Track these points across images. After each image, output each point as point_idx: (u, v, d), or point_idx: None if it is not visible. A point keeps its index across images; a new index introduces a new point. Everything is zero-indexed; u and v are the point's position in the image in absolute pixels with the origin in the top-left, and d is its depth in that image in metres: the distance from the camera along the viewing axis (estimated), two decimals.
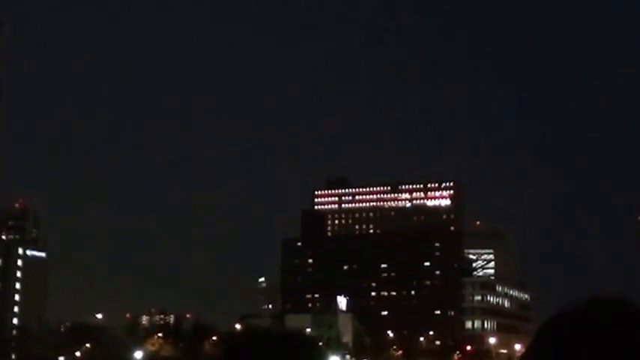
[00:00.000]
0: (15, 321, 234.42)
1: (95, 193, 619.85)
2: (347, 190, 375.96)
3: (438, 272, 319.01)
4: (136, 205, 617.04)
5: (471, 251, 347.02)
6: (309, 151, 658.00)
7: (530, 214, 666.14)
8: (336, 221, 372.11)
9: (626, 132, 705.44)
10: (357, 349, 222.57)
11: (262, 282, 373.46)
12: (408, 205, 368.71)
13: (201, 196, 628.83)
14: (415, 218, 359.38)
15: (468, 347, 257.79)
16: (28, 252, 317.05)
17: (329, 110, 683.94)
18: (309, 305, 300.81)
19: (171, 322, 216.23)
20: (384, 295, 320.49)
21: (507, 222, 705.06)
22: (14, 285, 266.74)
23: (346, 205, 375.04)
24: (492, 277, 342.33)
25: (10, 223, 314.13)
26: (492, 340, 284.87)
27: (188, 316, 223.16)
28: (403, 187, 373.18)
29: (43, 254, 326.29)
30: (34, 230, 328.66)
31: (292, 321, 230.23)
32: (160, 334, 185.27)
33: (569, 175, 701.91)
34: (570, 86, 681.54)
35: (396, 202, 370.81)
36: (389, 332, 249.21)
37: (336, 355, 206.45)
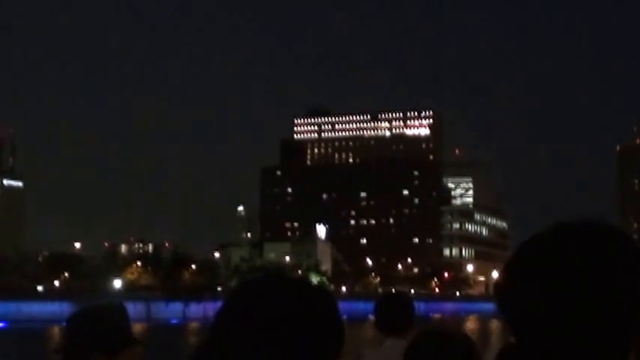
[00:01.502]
0: None
1: (72, 122, 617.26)
2: (326, 119, 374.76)
3: (416, 201, 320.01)
4: (114, 134, 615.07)
5: (450, 180, 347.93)
6: (288, 79, 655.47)
7: (509, 144, 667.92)
8: (316, 150, 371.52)
9: (607, 61, 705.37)
10: (335, 277, 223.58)
11: (241, 210, 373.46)
12: (388, 134, 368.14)
13: (180, 124, 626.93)
14: (394, 147, 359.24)
15: (446, 274, 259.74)
16: (5, 181, 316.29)
17: (308, 37, 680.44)
18: (288, 234, 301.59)
19: (150, 250, 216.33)
20: (363, 224, 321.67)
21: (486, 151, 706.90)
22: None
23: (326, 133, 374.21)
24: (471, 206, 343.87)
25: None
26: (470, 268, 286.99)
27: (167, 244, 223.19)
28: (382, 115, 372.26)
29: (19, 183, 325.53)
30: (10, 159, 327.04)
31: (271, 249, 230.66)
32: (138, 263, 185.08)
33: (550, 105, 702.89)
34: (551, 7, 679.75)
35: (375, 131, 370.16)
36: (368, 260, 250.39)
37: (316, 282, 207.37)
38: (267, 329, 2.26)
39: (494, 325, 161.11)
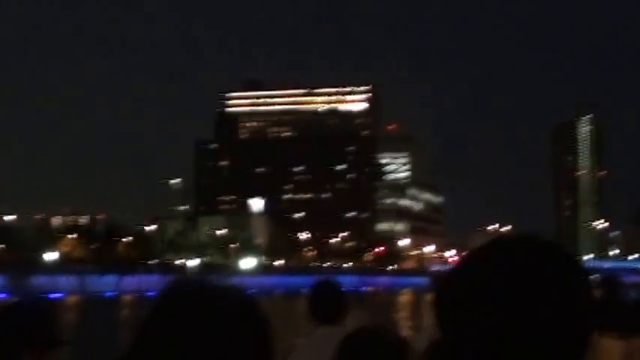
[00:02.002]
0: None
1: (13, 89, 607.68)
2: (262, 93, 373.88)
3: (351, 176, 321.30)
4: (49, 99, 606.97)
5: (385, 155, 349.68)
6: (224, 51, 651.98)
7: (444, 119, 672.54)
8: (250, 124, 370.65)
9: (540, 37, 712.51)
10: (270, 251, 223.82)
11: (175, 183, 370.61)
12: (323, 108, 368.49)
13: (116, 97, 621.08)
14: (330, 122, 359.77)
15: (380, 248, 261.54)
16: None
17: (244, 8, 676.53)
18: (223, 207, 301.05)
19: (84, 223, 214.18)
20: (298, 198, 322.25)
21: (422, 127, 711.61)
22: None
23: (261, 107, 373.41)
24: (405, 181, 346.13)
25: None
26: (404, 242, 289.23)
27: (101, 216, 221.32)
28: (318, 90, 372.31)
29: None
30: None
31: (205, 223, 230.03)
32: (72, 235, 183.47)
33: (487, 82, 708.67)
34: None
35: (311, 106, 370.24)
36: (302, 234, 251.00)
37: (250, 256, 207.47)
38: (194, 336, 2.30)
39: (428, 298, 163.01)
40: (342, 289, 6.57)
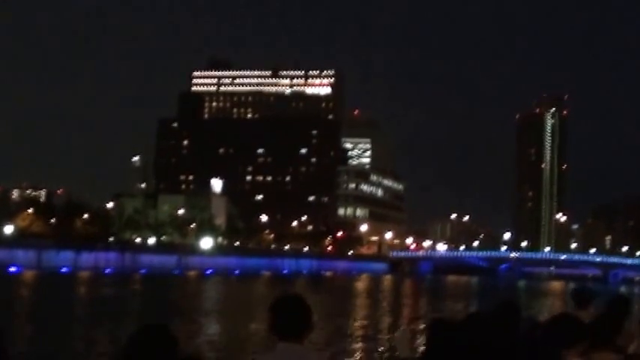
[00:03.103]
0: None
1: None
2: (226, 73, 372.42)
3: (314, 159, 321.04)
4: (14, 72, 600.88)
5: (348, 140, 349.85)
6: (190, 30, 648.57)
7: (408, 107, 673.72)
8: (214, 104, 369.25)
9: (512, 29, 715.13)
10: (230, 232, 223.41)
11: (136, 161, 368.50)
12: (288, 91, 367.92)
13: (81, 71, 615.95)
14: (294, 105, 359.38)
15: (340, 233, 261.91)
16: None
17: None
18: (183, 187, 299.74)
19: (43, 197, 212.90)
20: (259, 180, 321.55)
21: (385, 113, 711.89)
22: None
23: (225, 87, 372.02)
24: (367, 167, 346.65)
25: None
26: (364, 228, 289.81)
27: (60, 191, 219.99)
28: (284, 72, 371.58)
29: None
30: None
31: (165, 201, 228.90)
32: (30, 210, 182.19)
33: (454, 69, 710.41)
34: None
35: (275, 88, 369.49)
36: (262, 216, 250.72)
37: (209, 237, 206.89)
38: None
39: (385, 283, 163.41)
40: (308, 306, 6.21)
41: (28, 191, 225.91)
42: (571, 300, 10.44)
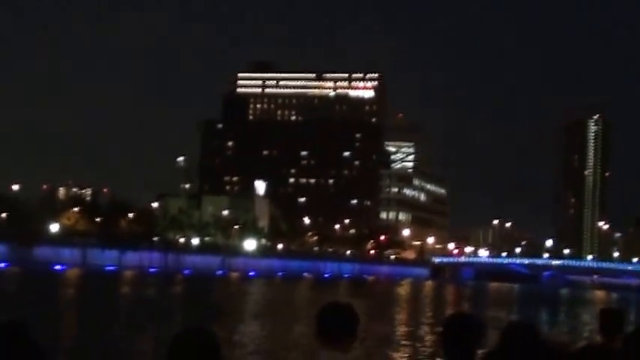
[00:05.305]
0: None
1: (15, 61, 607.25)
2: (271, 75, 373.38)
3: (357, 163, 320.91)
4: (57, 76, 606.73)
5: (391, 143, 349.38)
6: (236, 32, 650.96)
7: (451, 111, 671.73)
8: (259, 105, 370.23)
9: (554, 34, 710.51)
10: (273, 234, 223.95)
11: (181, 161, 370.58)
12: (332, 94, 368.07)
13: (128, 71, 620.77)
14: (337, 108, 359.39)
15: (382, 237, 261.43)
16: None
17: None
18: (227, 188, 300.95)
19: (88, 196, 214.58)
20: (302, 182, 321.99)
21: (429, 117, 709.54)
22: None
23: (270, 89, 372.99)
24: (410, 171, 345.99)
25: None
26: (406, 232, 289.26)
27: (105, 190, 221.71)
28: (328, 75, 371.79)
29: None
30: None
31: (209, 202, 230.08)
32: (76, 208, 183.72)
33: (495, 74, 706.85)
34: None
35: (319, 91, 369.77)
36: (305, 219, 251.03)
37: (252, 238, 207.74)
38: None
39: (427, 289, 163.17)
40: (356, 315, 6.11)
41: (74, 190, 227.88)
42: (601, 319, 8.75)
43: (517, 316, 80.00)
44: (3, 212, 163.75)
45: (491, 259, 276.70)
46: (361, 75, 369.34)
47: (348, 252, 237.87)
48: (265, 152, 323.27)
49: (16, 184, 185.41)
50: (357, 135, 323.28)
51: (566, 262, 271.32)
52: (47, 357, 4.00)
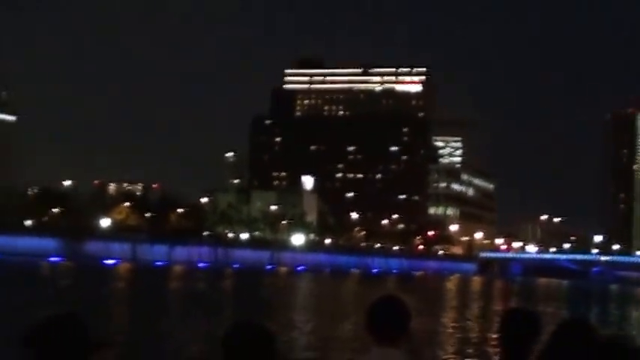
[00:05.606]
0: None
1: (66, 57, 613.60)
2: (318, 71, 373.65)
3: (404, 157, 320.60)
4: (110, 74, 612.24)
5: (439, 138, 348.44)
6: (282, 28, 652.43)
7: (499, 105, 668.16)
8: (306, 101, 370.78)
9: (605, 27, 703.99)
10: (321, 229, 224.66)
11: (230, 157, 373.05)
12: (379, 88, 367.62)
13: (174, 65, 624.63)
14: (385, 102, 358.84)
15: (430, 232, 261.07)
16: None
17: None
18: (276, 183, 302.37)
19: (139, 191, 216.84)
20: (350, 177, 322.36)
21: (477, 112, 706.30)
22: None
23: (317, 85, 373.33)
24: (458, 165, 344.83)
25: None
26: (454, 227, 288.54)
27: (155, 186, 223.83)
28: (374, 70, 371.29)
29: (12, 118, 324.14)
30: (3, 93, 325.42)
31: (258, 198, 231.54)
32: (127, 203, 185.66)
33: (543, 70, 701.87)
34: None
35: (366, 85, 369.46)
36: (353, 213, 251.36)
37: (301, 233, 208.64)
38: None
39: (475, 284, 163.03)
40: (408, 310, 5.95)
41: (124, 185, 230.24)
42: None
43: (567, 313, 79.92)
44: (55, 207, 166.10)
45: (539, 255, 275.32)
46: (408, 70, 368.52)
47: (396, 247, 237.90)
48: (313, 147, 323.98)
49: (67, 180, 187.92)
50: (405, 130, 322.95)
51: (615, 257, 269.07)
52: (103, 349, 3.97)
